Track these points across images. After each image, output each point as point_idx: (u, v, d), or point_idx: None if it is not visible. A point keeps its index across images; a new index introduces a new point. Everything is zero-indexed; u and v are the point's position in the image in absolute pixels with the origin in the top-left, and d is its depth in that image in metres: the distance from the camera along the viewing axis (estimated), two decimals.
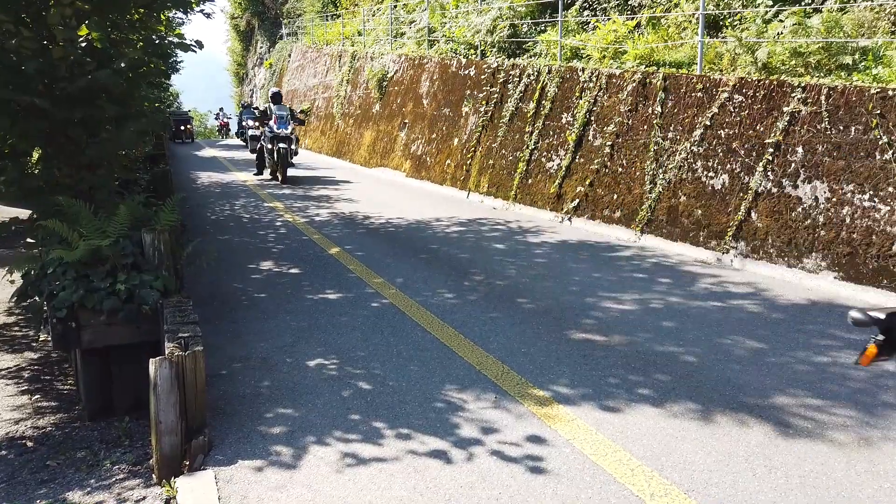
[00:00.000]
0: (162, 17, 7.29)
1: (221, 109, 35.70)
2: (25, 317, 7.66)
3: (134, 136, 6.65)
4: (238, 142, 29.29)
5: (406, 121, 14.76)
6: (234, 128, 32.06)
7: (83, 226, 4.88)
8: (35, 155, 6.63)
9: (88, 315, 4.58)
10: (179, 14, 8.48)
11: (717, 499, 2.91)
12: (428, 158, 13.35)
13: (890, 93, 5.79)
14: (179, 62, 20.42)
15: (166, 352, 3.52)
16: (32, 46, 5.44)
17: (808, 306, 5.51)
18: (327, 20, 24.50)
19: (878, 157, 5.83)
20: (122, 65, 5.74)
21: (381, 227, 9.20)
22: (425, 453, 3.35)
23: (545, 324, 5.14)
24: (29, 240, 5.80)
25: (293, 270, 6.98)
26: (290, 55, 27.06)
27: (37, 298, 4.77)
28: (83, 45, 5.76)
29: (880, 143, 5.82)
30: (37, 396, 5.63)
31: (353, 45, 20.33)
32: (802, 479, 3.04)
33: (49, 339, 5.36)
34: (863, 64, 6.59)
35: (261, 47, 33.94)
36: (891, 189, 5.72)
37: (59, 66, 5.63)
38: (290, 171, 14.15)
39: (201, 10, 7.24)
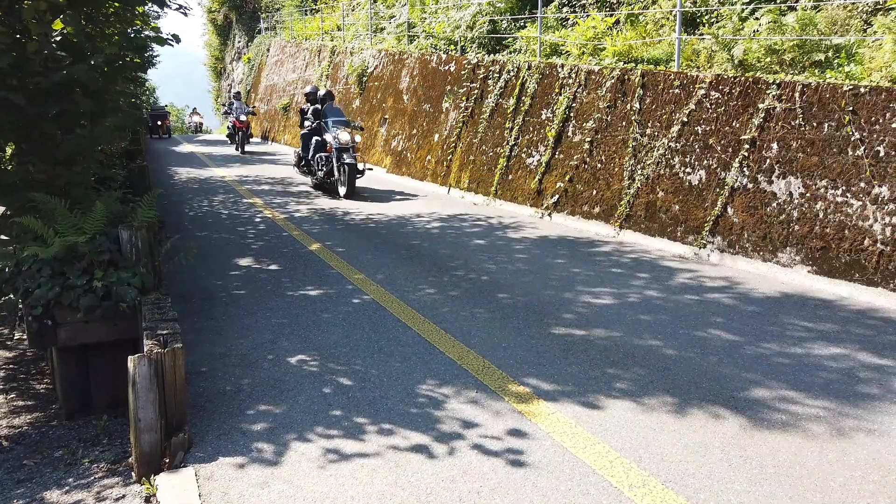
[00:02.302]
0: (138, 10, 7.20)
1: (237, 96, 20.56)
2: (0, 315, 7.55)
3: (110, 131, 6.57)
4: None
5: (386, 116, 14.73)
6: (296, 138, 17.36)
7: (59, 222, 4.82)
8: (9, 150, 6.53)
9: (65, 312, 4.54)
10: (155, 7, 8.38)
11: (694, 488, 2.96)
12: (408, 154, 13.34)
13: (862, 90, 5.90)
14: (156, 56, 20.05)
15: (145, 349, 3.50)
16: (6, 41, 5.35)
17: (783, 299, 5.61)
18: (306, 14, 24.33)
19: (850, 153, 5.94)
20: (99, 59, 5.66)
21: (362, 222, 9.19)
22: (406, 448, 3.37)
23: (525, 319, 5.18)
24: (3, 237, 5.72)
25: (273, 267, 6.95)
26: (268, 50, 26.83)
27: (12, 296, 4.70)
28: (58, 39, 5.68)
29: (852, 139, 5.93)
30: (12, 395, 5.56)
31: (332, 40, 20.21)
32: (776, 469, 3.11)
33: (24, 336, 5.29)
34: (836, 61, 6.71)
35: (239, 42, 33.61)
36: (862, 185, 5.83)
37: (34, 60, 5.55)
38: None
39: (178, 8, 7.15)
